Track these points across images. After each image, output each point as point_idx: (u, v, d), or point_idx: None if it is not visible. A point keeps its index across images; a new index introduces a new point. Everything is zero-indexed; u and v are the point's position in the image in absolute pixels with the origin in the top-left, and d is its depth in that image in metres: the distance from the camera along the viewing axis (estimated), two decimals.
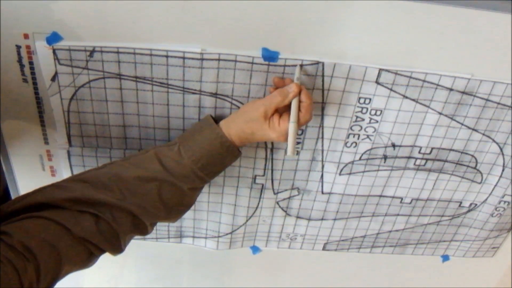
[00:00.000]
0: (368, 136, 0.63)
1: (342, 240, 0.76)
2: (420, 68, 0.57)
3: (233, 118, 0.55)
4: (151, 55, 0.54)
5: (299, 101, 0.53)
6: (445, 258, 0.82)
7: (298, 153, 0.64)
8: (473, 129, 0.63)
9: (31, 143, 0.62)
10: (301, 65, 0.55)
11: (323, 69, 0.57)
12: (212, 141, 0.53)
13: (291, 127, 0.52)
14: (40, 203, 0.46)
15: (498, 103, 0.61)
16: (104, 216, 0.48)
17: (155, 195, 0.51)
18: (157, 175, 0.51)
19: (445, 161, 0.67)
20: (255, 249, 0.78)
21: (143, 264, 0.80)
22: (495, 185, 0.70)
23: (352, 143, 0.64)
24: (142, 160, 0.53)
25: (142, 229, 0.52)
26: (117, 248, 0.50)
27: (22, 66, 0.55)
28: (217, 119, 0.56)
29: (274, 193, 0.69)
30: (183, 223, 0.72)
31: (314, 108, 0.58)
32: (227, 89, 0.58)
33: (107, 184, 0.50)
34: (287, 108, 0.54)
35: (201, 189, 0.57)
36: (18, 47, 0.53)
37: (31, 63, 0.55)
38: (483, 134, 0.64)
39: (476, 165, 0.68)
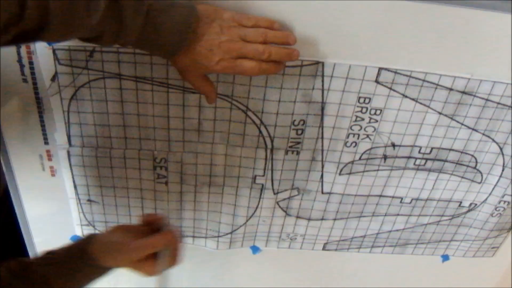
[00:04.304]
0: (368, 136, 0.63)
1: (342, 240, 0.77)
2: (420, 68, 0.57)
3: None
4: (151, 55, 0.54)
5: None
6: (445, 258, 0.82)
7: (298, 153, 0.64)
8: (473, 129, 0.63)
9: (31, 143, 0.62)
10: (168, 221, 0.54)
11: (323, 69, 0.57)
12: None
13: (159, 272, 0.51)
14: None
15: (498, 103, 0.61)
16: None
17: None
18: None
19: (445, 161, 0.67)
20: (255, 249, 0.78)
21: None
22: (495, 185, 0.70)
23: (352, 143, 0.64)
24: None
25: None
26: None
27: (22, 66, 0.55)
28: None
29: (274, 193, 0.69)
30: (183, 223, 0.72)
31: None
32: (227, 89, 0.58)
33: None
34: None
35: None
36: (18, 47, 0.53)
37: (31, 63, 0.55)
38: (483, 134, 0.64)
39: (476, 165, 0.68)
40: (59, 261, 0.50)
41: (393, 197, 0.70)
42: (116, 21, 0.42)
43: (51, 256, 0.51)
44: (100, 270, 0.52)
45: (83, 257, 0.50)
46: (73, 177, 0.66)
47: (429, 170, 0.68)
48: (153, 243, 0.51)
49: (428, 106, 0.61)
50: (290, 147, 0.63)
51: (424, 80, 0.58)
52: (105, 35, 0.43)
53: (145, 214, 0.56)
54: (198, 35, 0.46)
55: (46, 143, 0.62)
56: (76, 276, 0.50)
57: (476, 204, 0.73)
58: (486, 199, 0.72)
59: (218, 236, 0.73)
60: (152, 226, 0.54)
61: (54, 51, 0.54)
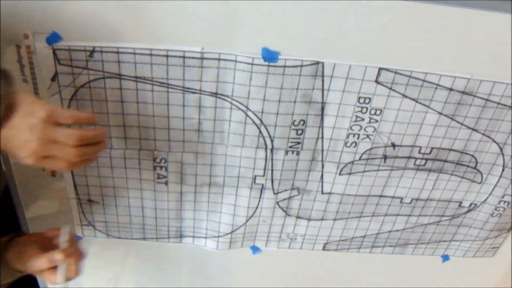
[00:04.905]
0: (368, 136, 0.63)
1: (342, 240, 0.77)
2: (420, 68, 0.57)
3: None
4: (151, 55, 0.55)
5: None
6: (445, 258, 0.82)
7: (298, 153, 0.64)
8: (473, 129, 0.63)
9: None
10: (70, 230, 0.60)
11: (323, 69, 0.57)
12: None
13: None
14: None
15: (498, 103, 0.61)
16: None
17: None
18: None
19: (445, 161, 0.67)
20: (255, 249, 0.78)
21: (143, 264, 0.80)
22: (495, 185, 0.70)
23: (352, 143, 0.64)
24: None
25: None
26: None
27: (22, 66, 0.55)
28: None
29: (274, 193, 0.69)
30: (183, 223, 0.72)
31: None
32: (227, 89, 0.58)
33: None
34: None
35: None
36: (18, 47, 0.53)
37: (31, 63, 0.55)
38: (483, 134, 0.64)
39: (476, 165, 0.68)
40: None
41: (393, 197, 0.70)
42: None
43: None
44: (14, 273, 0.58)
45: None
46: (73, 177, 0.66)
47: (429, 170, 0.68)
48: (48, 260, 0.56)
49: (428, 106, 0.61)
50: (290, 147, 0.64)
51: (424, 80, 0.58)
52: None
53: (48, 229, 0.61)
54: (8, 125, 0.44)
55: None
56: None
57: (476, 204, 0.73)
58: (486, 199, 0.72)
59: (218, 236, 0.73)
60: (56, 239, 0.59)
61: (54, 51, 0.54)
